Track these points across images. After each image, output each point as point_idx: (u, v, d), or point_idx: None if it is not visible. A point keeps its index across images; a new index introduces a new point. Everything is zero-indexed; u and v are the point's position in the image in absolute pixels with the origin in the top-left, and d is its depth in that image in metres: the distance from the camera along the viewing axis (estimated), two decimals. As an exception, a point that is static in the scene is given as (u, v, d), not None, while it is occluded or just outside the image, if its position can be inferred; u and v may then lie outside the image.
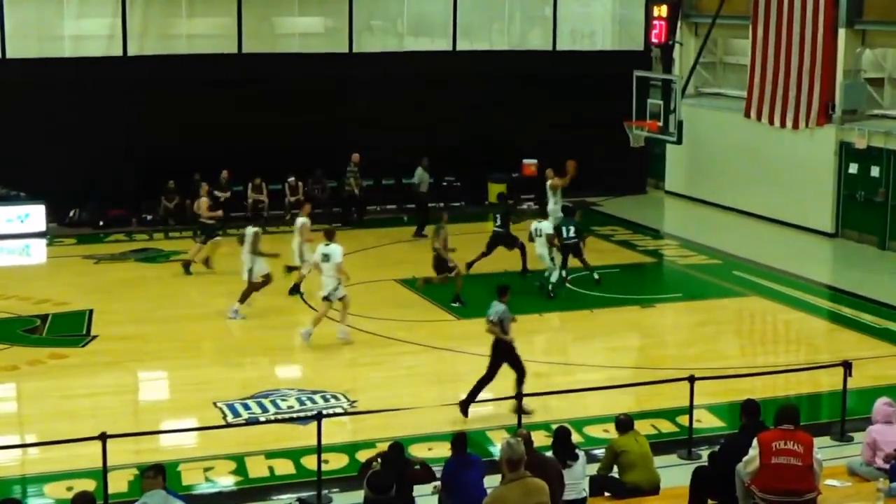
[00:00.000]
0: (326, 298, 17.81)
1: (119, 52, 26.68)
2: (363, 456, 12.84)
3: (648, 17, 28.95)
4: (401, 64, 28.61)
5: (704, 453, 12.48)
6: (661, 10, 27.38)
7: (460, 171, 28.90)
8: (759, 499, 9.88)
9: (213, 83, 26.63)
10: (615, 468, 11.50)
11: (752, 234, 26.55)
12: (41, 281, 22.24)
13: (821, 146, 25.89)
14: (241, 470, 13.24)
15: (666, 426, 14.51)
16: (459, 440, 11.11)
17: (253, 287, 19.34)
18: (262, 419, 14.72)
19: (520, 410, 13.84)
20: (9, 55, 25.92)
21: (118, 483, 12.18)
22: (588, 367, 16.54)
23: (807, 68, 25.94)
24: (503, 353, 14.62)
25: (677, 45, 28.75)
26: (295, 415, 14.82)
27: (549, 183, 23.37)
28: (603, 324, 19.22)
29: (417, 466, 11.40)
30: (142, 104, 26.26)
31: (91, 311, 19.53)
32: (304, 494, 12.42)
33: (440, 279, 20.14)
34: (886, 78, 26.08)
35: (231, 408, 15.09)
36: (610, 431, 12.79)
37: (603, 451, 12.13)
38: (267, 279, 19.51)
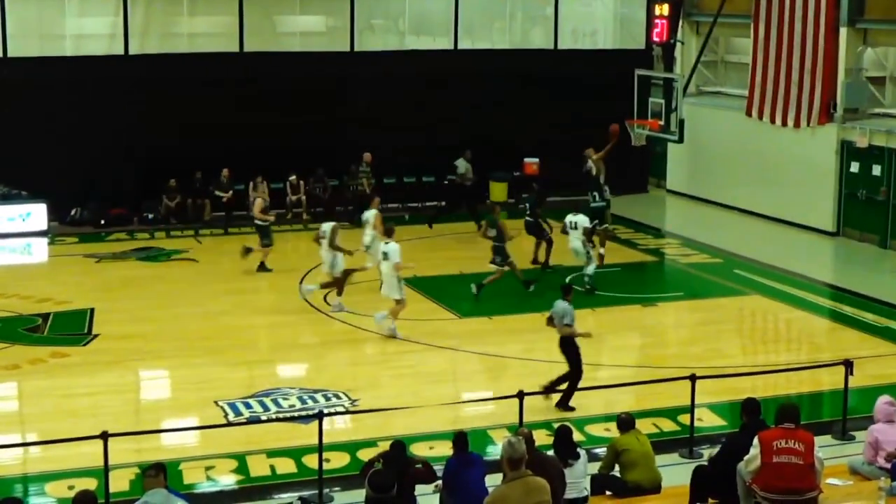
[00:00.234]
0: (399, 301, 18.07)
1: (120, 51, 26.66)
2: (365, 455, 12.84)
3: (650, 16, 28.95)
4: (402, 63, 28.60)
5: (706, 452, 12.47)
6: (663, 9, 27.36)
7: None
8: (760, 498, 9.88)
9: (214, 82, 26.63)
10: (616, 467, 11.50)
11: (754, 232, 26.54)
12: (42, 280, 22.24)
13: (822, 145, 25.88)
14: (242, 469, 13.24)
15: (667, 425, 14.51)
16: (461, 439, 11.10)
17: (340, 278, 19.57)
18: (264, 418, 14.72)
19: (566, 405, 14.69)
20: (10, 54, 25.90)
21: (119, 482, 12.18)
22: (589, 365, 16.52)
23: (808, 67, 25.92)
24: (574, 347, 14.95)
25: (679, 44, 28.72)
26: (296, 413, 14.81)
27: (589, 162, 23.53)
28: (604, 323, 19.20)
29: (419, 465, 11.39)
30: (143, 103, 26.24)
31: (92, 310, 19.53)
32: (305, 493, 12.41)
33: (497, 274, 20.26)
34: (888, 77, 26.07)
35: (232, 406, 15.09)
36: (611, 430, 12.81)
37: (604, 449, 12.13)
38: (347, 273, 19.72)
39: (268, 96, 27.16)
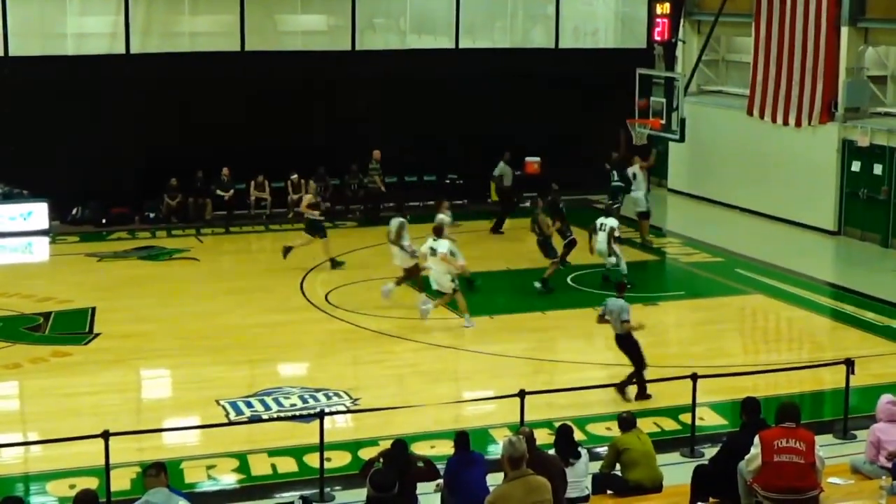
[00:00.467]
0: (455, 289, 18.61)
1: (122, 50, 26.65)
2: (366, 454, 12.83)
3: (651, 14, 28.92)
4: (403, 62, 28.61)
5: (707, 451, 12.48)
6: (664, 8, 27.30)
7: (463, 169, 28.86)
8: (761, 497, 9.88)
9: (215, 81, 26.64)
10: (618, 466, 11.51)
11: (755, 231, 26.53)
12: (44, 279, 22.25)
13: (823, 144, 25.87)
14: (243, 468, 13.25)
15: (668, 424, 14.52)
16: (462, 438, 11.10)
17: (412, 272, 19.78)
18: (265, 417, 14.73)
19: (643, 396, 15.08)
20: (11, 53, 25.90)
21: (121, 481, 12.19)
22: (591, 364, 16.52)
23: (809, 66, 25.91)
24: (633, 341, 15.22)
25: (680, 43, 28.68)
26: (298, 413, 14.82)
27: (636, 167, 24.67)
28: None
29: (420, 464, 11.39)
30: (144, 102, 26.26)
31: (94, 309, 19.53)
32: (306, 492, 12.40)
33: (553, 267, 20.63)
34: (889, 76, 26.07)
35: (234, 406, 15.10)
36: (612, 429, 12.80)
37: (605, 448, 12.14)
38: (417, 268, 19.87)
39: (269, 95, 27.17)
